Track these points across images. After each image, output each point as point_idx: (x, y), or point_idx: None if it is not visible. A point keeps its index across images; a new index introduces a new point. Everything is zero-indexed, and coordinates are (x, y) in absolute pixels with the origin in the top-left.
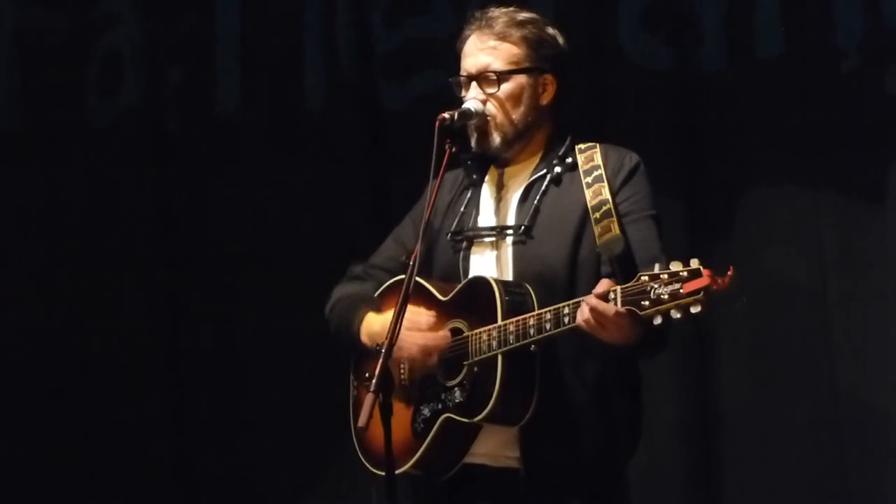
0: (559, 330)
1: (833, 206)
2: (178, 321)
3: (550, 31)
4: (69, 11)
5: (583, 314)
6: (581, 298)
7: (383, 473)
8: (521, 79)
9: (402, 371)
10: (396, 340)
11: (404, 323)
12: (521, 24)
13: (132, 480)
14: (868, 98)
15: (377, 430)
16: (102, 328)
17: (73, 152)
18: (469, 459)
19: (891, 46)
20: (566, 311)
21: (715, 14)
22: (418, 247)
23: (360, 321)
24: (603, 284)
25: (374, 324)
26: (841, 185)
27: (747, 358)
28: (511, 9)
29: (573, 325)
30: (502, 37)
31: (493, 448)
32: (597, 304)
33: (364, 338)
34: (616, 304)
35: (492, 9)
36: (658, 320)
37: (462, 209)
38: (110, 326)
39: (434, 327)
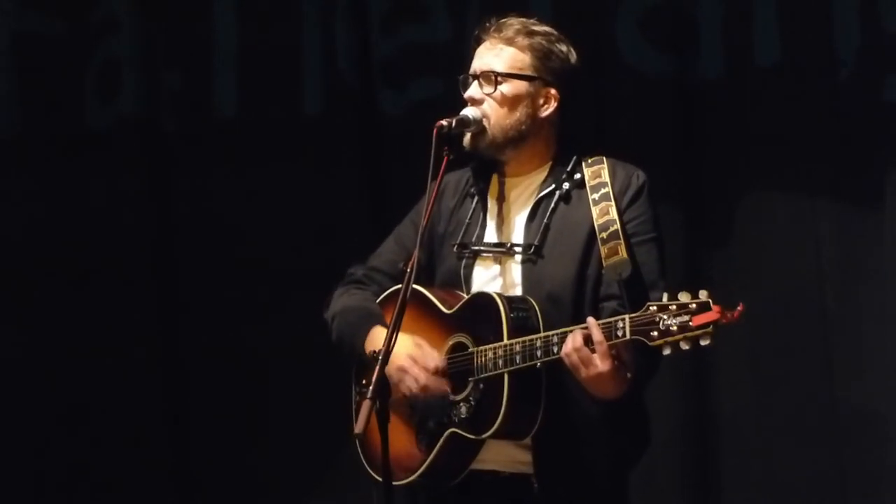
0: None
1: (831, 213)
2: (178, 325)
3: (563, 47)
4: (67, 16)
5: (565, 348)
6: (579, 327)
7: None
8: (520, 85)
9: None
10: (393, 348)
11: (407, 358)
12: (532, 33)
13: (132, 483)
14: (866, 105)
15: (380, 438)
16: (101, 332)
17: (72, 157)
18: (478, 465)
19: (888, 54)
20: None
21: (713, 21)
22: (415, 256)
23: (366, 338)
24: (593, 328)
25: (381, 339)
26: (839, 191)
27: (746, 362)
28: (529, 20)
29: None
30: (510, 41)
31: (504, 454)
32: (581, 346)
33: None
34: (625, 333)
35: (510, 17)
36: (667, 351)
37: (467, 220)
38: (109, 331)
39: (438, 371)
